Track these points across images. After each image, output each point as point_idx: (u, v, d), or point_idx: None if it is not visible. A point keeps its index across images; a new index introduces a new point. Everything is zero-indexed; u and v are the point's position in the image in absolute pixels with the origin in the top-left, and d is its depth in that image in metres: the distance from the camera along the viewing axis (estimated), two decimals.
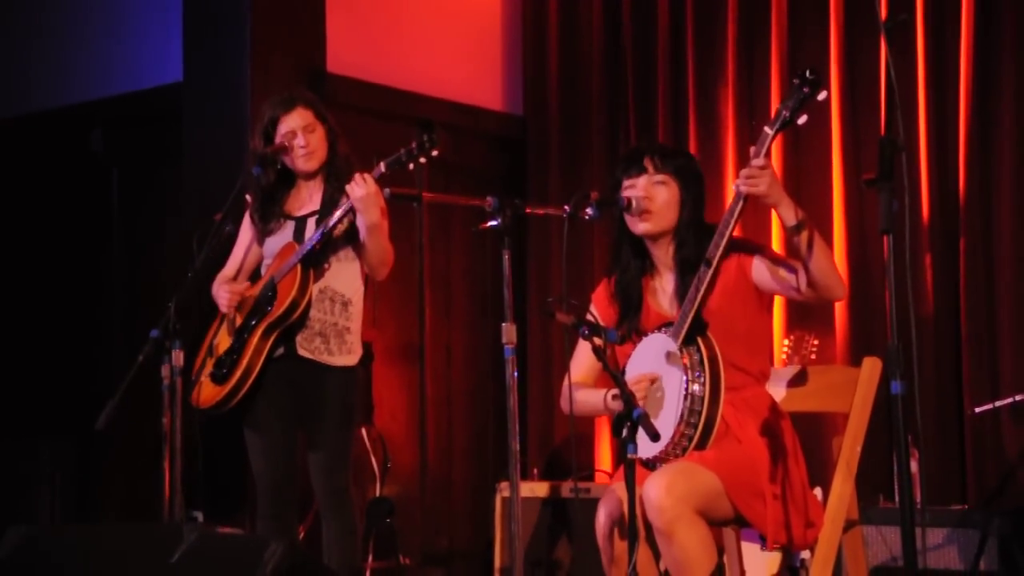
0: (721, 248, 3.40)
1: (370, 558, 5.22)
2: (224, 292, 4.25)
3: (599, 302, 3.72)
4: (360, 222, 4.08)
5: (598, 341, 3.30)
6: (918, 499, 4.39)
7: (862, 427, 3.60)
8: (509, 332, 3.51)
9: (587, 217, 3.56)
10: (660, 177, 3.55)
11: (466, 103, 6.13)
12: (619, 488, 3.39)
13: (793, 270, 3.45)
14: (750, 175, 3.31)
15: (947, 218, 5.24)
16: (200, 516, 5.04)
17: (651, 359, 3.50)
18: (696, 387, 3.39)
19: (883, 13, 5.11)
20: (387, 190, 4.01)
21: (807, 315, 5.33)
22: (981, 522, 4.47)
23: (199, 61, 5.43)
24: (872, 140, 5.30)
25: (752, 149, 3.35)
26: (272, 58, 5.32)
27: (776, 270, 3.49)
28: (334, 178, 4.23)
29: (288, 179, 4.29)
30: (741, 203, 3.37)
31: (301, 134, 4.19)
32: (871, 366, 3.62)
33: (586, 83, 6.18)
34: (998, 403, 4.70)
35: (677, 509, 3.29)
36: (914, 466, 4.39)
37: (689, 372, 3.39)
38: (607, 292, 3.71)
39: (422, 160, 3.98)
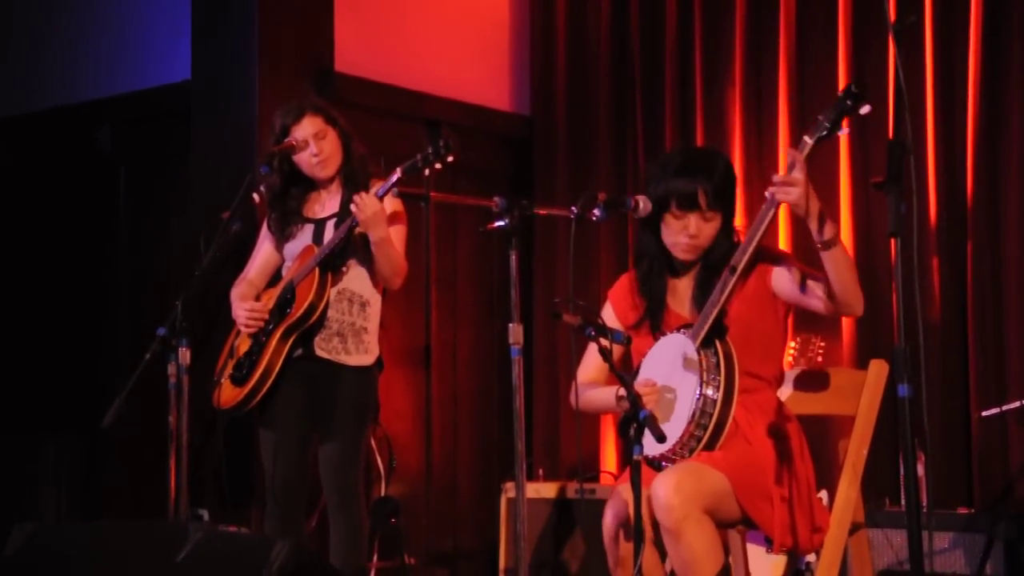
0: (747, 256, 3.40)
1: (375, 558, 5.22)
2: (243, 311, 4.24)
3: (618, 297, 3.71)
4: (369, 235, 4.09)
5: (604, 342, 3.30)
6: (924, 502, 4.39)
7: (868, 430, 3.59)
8: (515, 333, 3.50)
9: (594, 218, 3.55)
10: (710, 214, 3.52)
11: (473, 103, 6.13)
12: (625, 490, 3.39)
13: (815, 281, 3.44)
14: (784, 182, 3.28)
15: (955, 221, 5.23)
16: (206, 514, 5.05)
17: (667, 358, 3.50)
18: (710, 390, 3.39)
19: (892, 15, 5.10)
20: (395, 174, 4.01)
21: (814, 318, 5.30)
22: (987, 526, 4.46)
23: (207, 59, 5.43)
24: (880, 142, 5.30)
25: (788, 155, 3.32)
26: (280, 57, 5.32)
27: (797, 281, 3.49)
28: (351, 181, 4.24)
29: (305, 183, 4.29)
30: (773, 211, 3.35)
31: (313, 142, 4.20)
32: (878, 369, 3.62)
33: (594, 84, 6.17)
34: (1005, 407, 4.69)
35: (685, 508, 3.29)
36: (920, 469, 4.39)
37: (705, 374, 3.39)
38: (629, 286, 3.69)
39: (437, 166, 3.98)
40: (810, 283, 3.46)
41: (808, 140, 3.27)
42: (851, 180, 5.41)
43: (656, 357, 3.55)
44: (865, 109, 3.22)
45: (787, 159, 3.30)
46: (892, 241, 2.85)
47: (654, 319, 3.60)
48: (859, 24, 5.47)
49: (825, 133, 3.24)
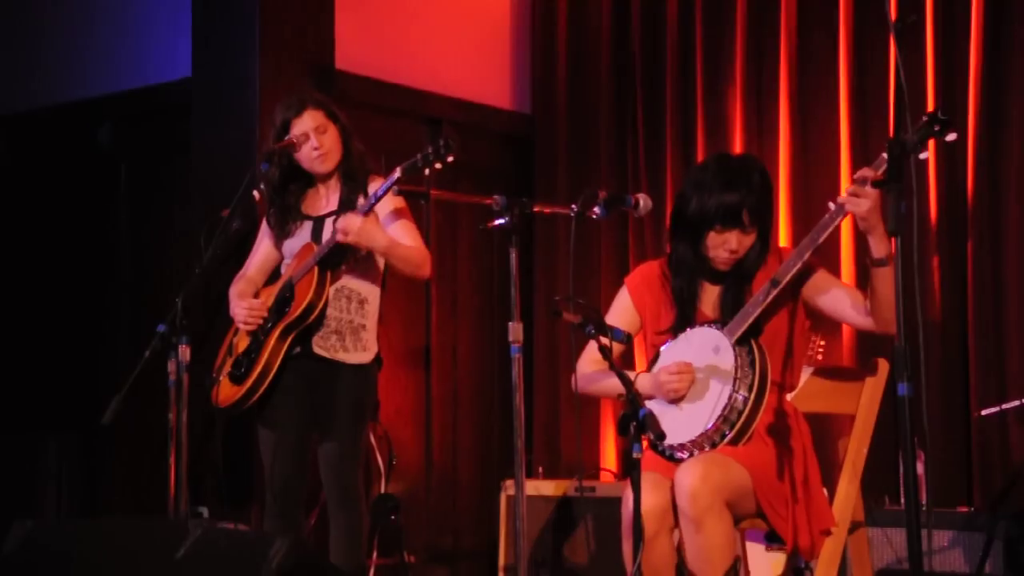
0: (795, 270, 3.42)
1: (375, 555, 5.22)
2: (241, 309, 4.24)
3: (637, 284, 3.71)
4: (373, 251, 4.10)
5: (604, 340, 3.30)
6: (924, 501, 4.40)
7: (868, 429, 3.60)
8: (515, 331, 3.51)
9: (594, 216, 3.56)
10: (751, 229, 3.53)
11: (474, 101, 6.13)
12: (647, 477, 3.37)
13: (854, 296, 3.48)
14: (856, 193, 3.28)
15: (955, 220, 5.23)
16: (205, 512, 5.05)
17: (694, 349, 3.51)
18: (742, 387, 3.40)
19: (893, 14, 5.10)
20: (395, 174, 4.00)
21: (814, 318, 5.32)
22: (987, 525, 4.47)
23: (208, 57, 5.43)
24: (880, 141, 5.29)
25: (863, 170, 3.31)
26: (281, 54, 5.32)
27: (835, 295, 3.53)
28: (350, 177, 4.23)
29: (304, 179, 4.29)
30: (838, 221, 3.37)
31: (313, 136, 4.19)
32: (878, 368, 3.62)
33: (594, 82, 6.17)
34: (1005, 406, 4.69)
35: (710, 499, 3.31)
36: (920, 468, 4.39)
37: (738, 371, 3.41)
38: (657, 279, 3.68)
39: (437, 166, 3.98)
40: (848, 297, 3.51)
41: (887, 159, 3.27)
42: (851, 179, 5.40)
43: (682, 345, 3.55)
44: (951, 136, 3.21)
45: (858, 176, 3.29)
46: (892, 241, 2.85)
47: (686, 320, 3.60)
48: (859, 24, 5.47)
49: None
